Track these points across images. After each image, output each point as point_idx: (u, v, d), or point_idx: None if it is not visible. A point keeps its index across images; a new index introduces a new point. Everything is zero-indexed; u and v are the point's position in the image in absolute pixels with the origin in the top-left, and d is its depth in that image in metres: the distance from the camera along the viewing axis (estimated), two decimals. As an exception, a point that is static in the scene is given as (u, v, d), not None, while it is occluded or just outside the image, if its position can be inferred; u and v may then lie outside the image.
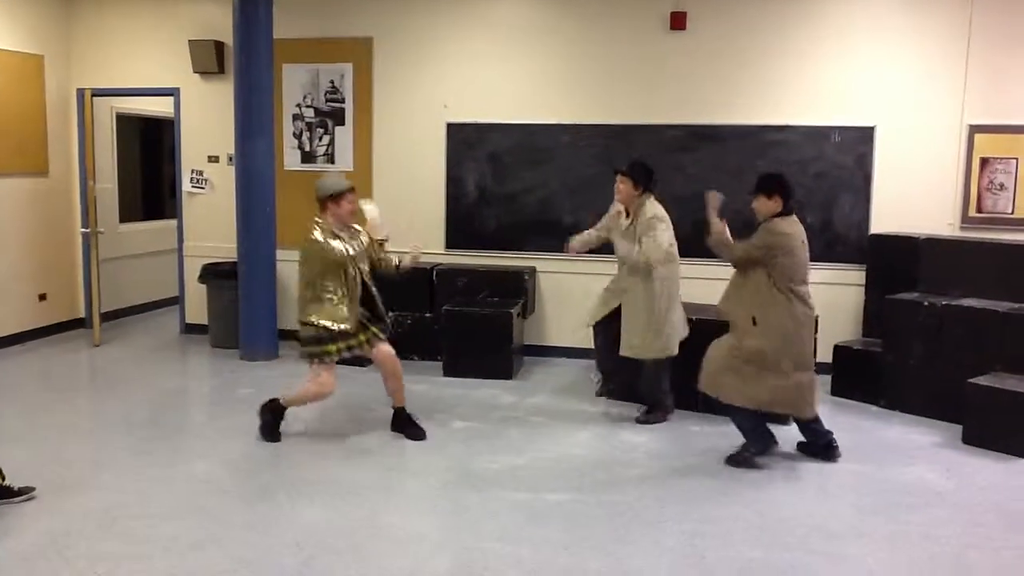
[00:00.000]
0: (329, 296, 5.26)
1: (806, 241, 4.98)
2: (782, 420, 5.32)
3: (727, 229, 5.12)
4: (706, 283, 6.74)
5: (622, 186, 5.81)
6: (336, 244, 5.24)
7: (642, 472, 5.00)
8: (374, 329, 5.52)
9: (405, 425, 5.61)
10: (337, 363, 5.41)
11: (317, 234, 5.25)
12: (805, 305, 4.94)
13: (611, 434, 5.69)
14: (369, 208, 5.51)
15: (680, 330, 5.84)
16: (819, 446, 5.23)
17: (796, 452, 5.29)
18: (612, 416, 6.07)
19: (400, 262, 5.64)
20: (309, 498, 4.51)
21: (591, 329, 6.23)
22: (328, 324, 5.25)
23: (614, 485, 4.79)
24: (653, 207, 5.73)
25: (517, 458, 5.19)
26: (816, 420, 5.18)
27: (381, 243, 5.52)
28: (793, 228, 4.92)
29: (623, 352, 5.84)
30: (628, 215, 5.84)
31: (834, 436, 5.23)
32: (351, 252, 5.28)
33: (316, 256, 5.25)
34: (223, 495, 4.57)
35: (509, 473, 4.94)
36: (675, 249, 5.77)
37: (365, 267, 5.42)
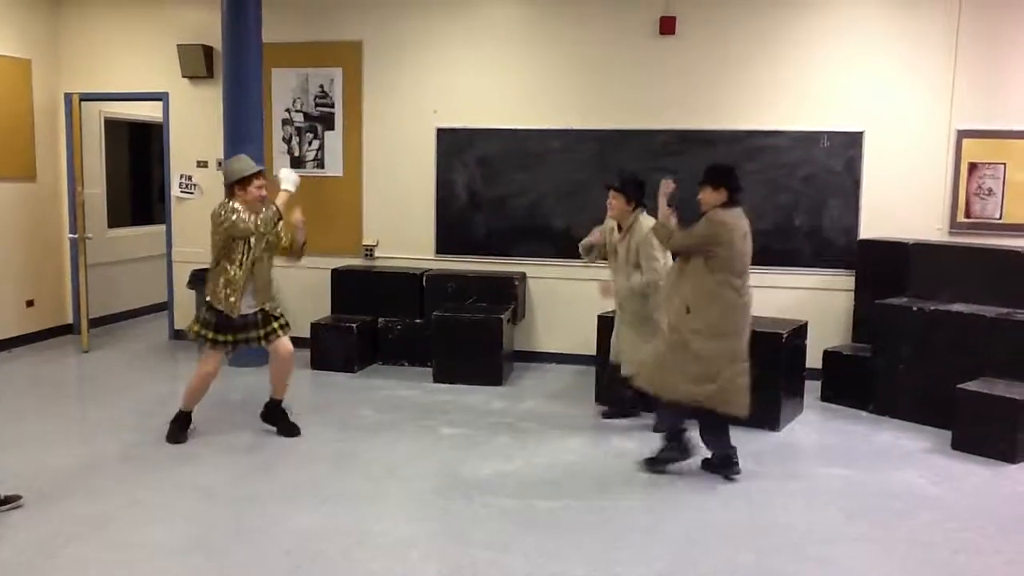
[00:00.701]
0: (231, 280, 5.26)
1: (749, 234, 4.91)
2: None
3: (673, 218, 5.04)
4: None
5: (615, 202, 5.74)
6: (245, 218, 5.20)
7: (632, 478, 4.99)
8: (276, 324, 5.51)
9: (279, 419, 5.66)
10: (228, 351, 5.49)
11: (224, 210, 5.20)
12: (739, 296, 4.85)
13: (601, 440, 5.68)
14: (286, 173, 5.46)
15: None
16: (718, 458, 5.06)
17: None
18: (602, 423, 6.06)
19: (292, 239, 5.55)
20: (298, 505, 4.49)
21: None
22: (226, 311, 5.29)
23: (604, 491, 4.78)
24: (648, 221, 5.66)
25: (507, 464, 5.18)
26: (725, 432, 5.04)
27: (283, 219, 5.41)
28: (735, 220, 4.86)
29: (627, 371, 5.71)
30: (620, 229, 5.78)
31: (736, 454, 5.06)
32: (259, 228, 5.25)
33: (222, 231, 5.22)
34: (212, 501, 4.55)
35: (499, 480, 4.92)
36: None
37: (267, 250, 5.40)
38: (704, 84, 7.32)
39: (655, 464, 5.09)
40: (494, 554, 3.96)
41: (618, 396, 6.11)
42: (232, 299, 5.29)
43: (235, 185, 5.30)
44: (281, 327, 5.54)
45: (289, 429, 5.63)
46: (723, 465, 5.02)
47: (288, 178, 5.46)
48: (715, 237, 4.79)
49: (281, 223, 5.41)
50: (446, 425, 5.91)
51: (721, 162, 5.28)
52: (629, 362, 5.68)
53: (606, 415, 6.14)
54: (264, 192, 5.35)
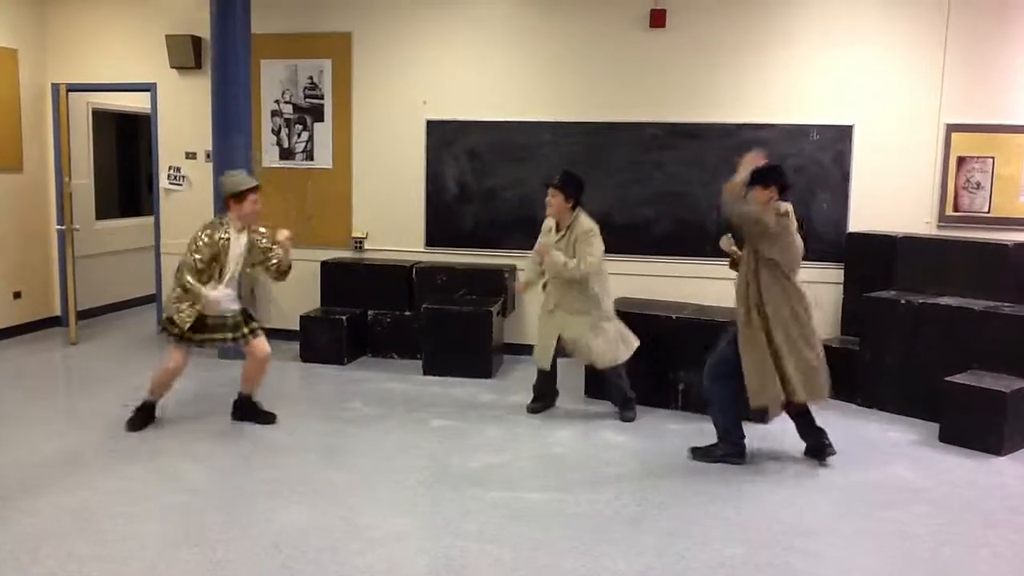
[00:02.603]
0: (191, 293, 5.31)
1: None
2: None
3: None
4: (687, 281, 6.77)
5: (554, 200, 5.76)
6: (205, 267, 5.30)
7: (621, 471, 5.00)
8: (253, 325, 5.60)
9: (252, 412, 5.72)
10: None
11: (202, 232, 5.33)
12: (800, 293, 4.93)
13: (590, 433, 5.68)
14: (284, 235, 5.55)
15: (625, 339, 5.87)
16: (813, 448, 5.21)
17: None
18: (591, 415, 6.07)
19: (277, 262, 5.60)
20: (286, 498, 4.48)
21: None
22: (189, 319, 5.34)
23: (593, 484, 4.78)
24: (588, 220, 5.75)
25: (496, 457, 5.18)
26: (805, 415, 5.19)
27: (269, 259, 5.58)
28: (790, 211, 4.94)
29: (582, 362, 5.93)
30: (559, 229, 5.83)
31: (826, 436, 5.20)
32: (232, 253, 5.37)
33: (193, 249, 5.32)
34: (199, 495, 4.53)
35: (488, 472, 4.92)
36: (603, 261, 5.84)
37: (243, 267, 5.52)
38: (694, 77, 7.31)
39: (703, 455, 5.17)
40: (483, 546, 3.96)
41: (544, 391, 6.17)
42: (184, 314, 5.32)
43: (231, 199, 5.37)
44: (257, 328, 5.61)
45: (266, 417, 5.69)
46: (819, 450, 5.15)
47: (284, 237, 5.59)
48: (786, 226, 4.85)
49: (271, 254, 5.54)
50: (436, 417, 5.91)
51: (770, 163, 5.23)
52: (580, 355, 5.86)
53: (531, 410, 6.13)
54: (259, 206, 5.45)
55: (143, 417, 5.54)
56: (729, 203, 4.87)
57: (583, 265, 5.62)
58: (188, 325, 5.32)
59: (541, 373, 6.11)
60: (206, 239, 5.31)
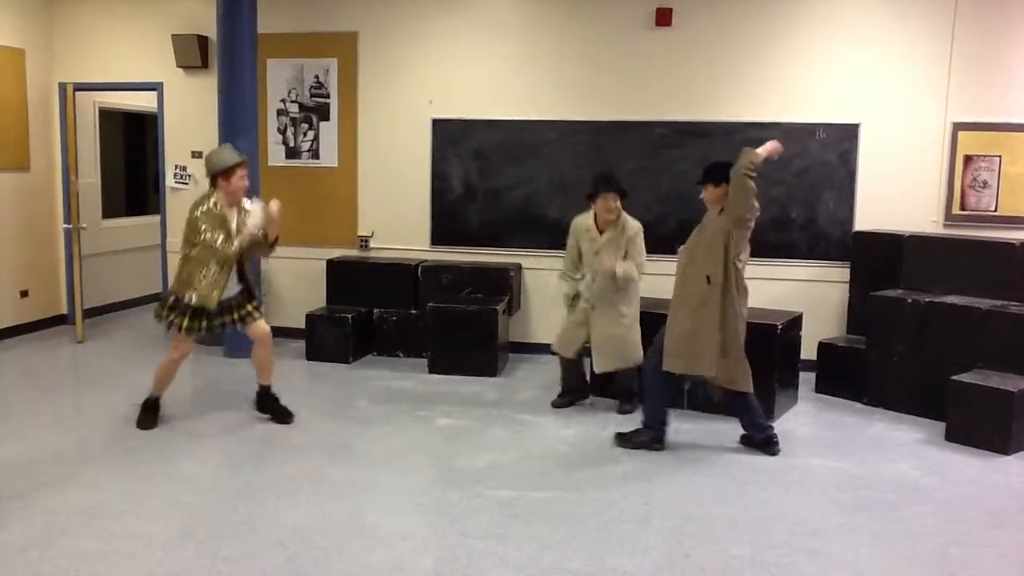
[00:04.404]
0: (202, 274, 5.27)
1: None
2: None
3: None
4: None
5: (614, 204, 5.78)
6: (216, 232, 5.24)
7: (627, 470, 4.99)
8: (249, 307, 5.56)
9: (271, 405, 5.69)
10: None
11: (201, 219, 5.26)
12: (743, 280, 5.11)
13: (596, 431, 5.68)
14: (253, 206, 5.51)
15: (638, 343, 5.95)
16: (759, 440, 5.31)
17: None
18: (597, 413, 6.07)
19: (264, 233, 5.47)
20: (292, 496, 4.49)
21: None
22: (196, 303, 5.30)
23: (599, 483, 4.78)
24: (634, 220, 5.86)
25: (502, 455, 5.19)
26: (753, 409, 5.29)
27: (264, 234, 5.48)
28: None
29: (604, 368, 5.95)
30: (601, 231, 5.85)
31: (773, 431, 5.32)
32: (231, 235, 5.29)
33: (194, 236, 5.28)
34: (205, 493, 4.54)
35: (493, 470, 4.93)
36: None
37: (241, 247, 5.37)
38: (700, 76, 7.31)
39: (625, 440, 5.34)
40: (489, 545, 3.97)
41: (572, 386, 6.22)
42: (213, 297, 5.30)
43: (218, 176, 5.30)
44: (256, 309, 5.58)
45: (282, 415, 5.65)
46: (764, 444, 5.28)
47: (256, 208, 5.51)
48: (754, 212, 5.02)
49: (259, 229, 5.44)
50: (441, 416, 5.92)
51: (718, 160, 5.39)
52: (608, 362, 5.92)
53: (557, 404, 6.19)
54: (246, 182, 5.38)
55: (150, 414, 5.54)
56: (747, 173, 4.97)
57: (643, 268, 5.81)
58: (215, 301, 5.30)
59: (566, 365, 6.13)
60: (201, 213, 5.26)
